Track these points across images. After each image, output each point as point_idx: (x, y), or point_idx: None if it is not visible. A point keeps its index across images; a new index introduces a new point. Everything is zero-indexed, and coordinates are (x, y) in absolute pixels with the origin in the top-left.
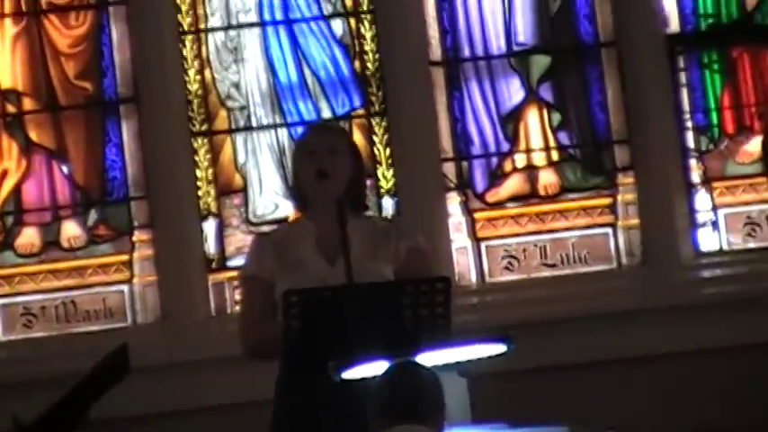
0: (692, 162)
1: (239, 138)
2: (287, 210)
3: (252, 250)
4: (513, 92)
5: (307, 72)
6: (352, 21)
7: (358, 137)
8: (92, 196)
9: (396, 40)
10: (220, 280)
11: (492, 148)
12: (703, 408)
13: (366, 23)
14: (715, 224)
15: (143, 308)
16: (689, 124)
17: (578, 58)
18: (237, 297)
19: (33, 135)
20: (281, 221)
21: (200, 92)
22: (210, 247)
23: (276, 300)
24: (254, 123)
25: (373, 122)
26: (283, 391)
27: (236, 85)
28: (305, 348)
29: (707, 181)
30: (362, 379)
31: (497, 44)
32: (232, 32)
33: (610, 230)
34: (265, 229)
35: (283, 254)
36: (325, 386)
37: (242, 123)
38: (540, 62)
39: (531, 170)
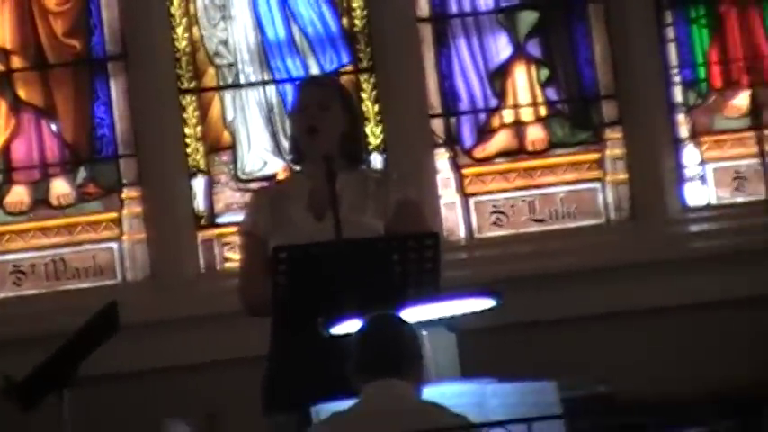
0: (680, 117)
1: (227, 95)
2: (275, 167)
3: (249, 205)
4: (501, 48)
5: (295, 29)
6: None
7: None
8: (81, 154)
9: None
10: (209, 237)
11: (480, 103)
12: (690, 361)
13: None
14: (703, 178)
15: (132, 265)
16: (677, 79)
17: (566, 14)
18: (227, 254)
19: (22, 93)
20: (270, 179)
21: (188, 49)
22: (199, 204)
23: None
24: (242, 80)
25: (361, 79)
26: (274, 348)
27: (225, 43)
28: (293, 305)
29: (695, 135)
30: (350, 335)
31: (485, 0)
32: None
33: (598, 185)
34: (254, 186)
35: (277, 210)
36: (314, 342)
37: (230, 80)
38: (528, 18)
39: (519, 126)
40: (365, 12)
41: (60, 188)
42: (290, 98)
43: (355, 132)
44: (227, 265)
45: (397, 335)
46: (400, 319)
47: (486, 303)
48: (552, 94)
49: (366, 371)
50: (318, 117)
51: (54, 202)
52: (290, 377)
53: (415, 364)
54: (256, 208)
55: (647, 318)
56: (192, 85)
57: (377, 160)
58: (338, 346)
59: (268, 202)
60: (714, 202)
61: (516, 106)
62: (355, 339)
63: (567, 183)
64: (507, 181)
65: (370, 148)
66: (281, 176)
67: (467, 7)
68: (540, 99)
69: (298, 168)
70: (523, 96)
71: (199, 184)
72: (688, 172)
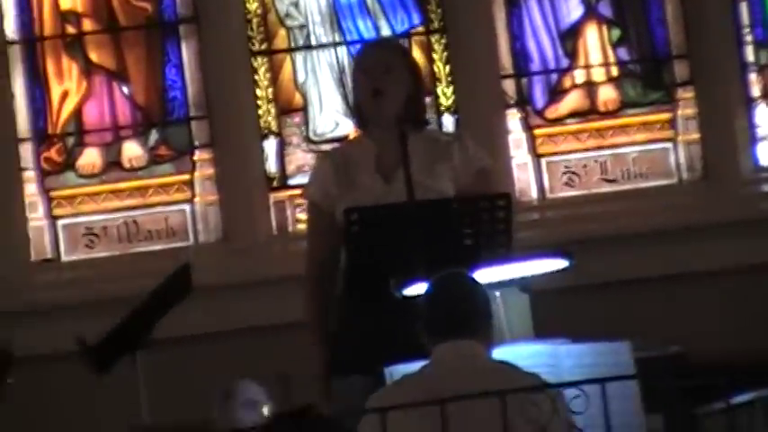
0: (752, 76)
1: (299, 57)
2: (347, 128)
3: (313, 173)
4: (572, 8)
5: None
6: None
7: (417, 54)
8: (152, 117)
9: None
10: (281, 198)
11: (551, 64)
12: (762, 321)
13: None
14: None
15: (204, 227)
16: (748, 38)
17: None
18: (299, 215)
19: (93, 56)
20: (342, 140)
21: (259, 11)
22: (271, 165)
23: (339, 222)
24: (313, 42)
25: (432, 40)
26: (346, 308)
27: (295, 4)
28: (367, 267)
29: (767, 95)
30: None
31: None
32: None
33: (670, 145)
34: (326, 147)
35: (343, 174)
36: (387, 303)
37: (301, 42)
38: None
39: (590, 86)
40: None
41: (132, 150)
42: None
43: (420, 94)
44: (299, 226)
45: (466, 294)
46: (469, 278)
47: (559, 264)
48: (624, 54)
49: (436, 331)
50: (383, 80)
51: (126, 164)
52: (363, 338)
53: (485, 323)
54: (320, 175)
55: (720, 279)
56: (264, 46)
57: (448, 121)
58: (411, 308)
59: (333, 168)
60: None
61: (588, 66)
62: (424, 300)
63: (639, 143)
64: (579, 141)
65: (442, 109)
66: (353, 137)
67: None
68: (611, 59)
69: (361, 132)
70: (595, 57)
71: (270, 145)
72: (760, 131)
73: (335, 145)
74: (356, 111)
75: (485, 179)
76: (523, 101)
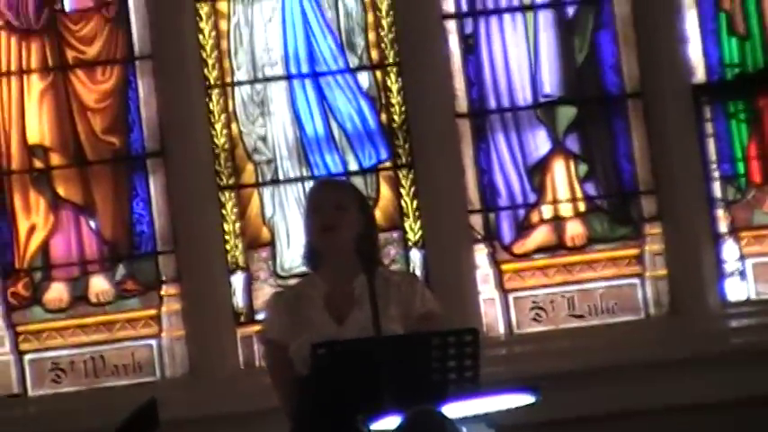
0: (720, 212)
1: (266, 191)
2: None
3: (267, 310)
4: (540, 143)
5: (333, 125)
6: (379, 73)
7: (385, 189)
8: (120, 251)
9: (422, 93)
10: (249, 333)
11: (519, 199)
12: None
13: (392, 76)
14: (743, 274)
15: (171, 362)
16: (716, 174)
17: (604, 109)
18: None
19: (61, 190)
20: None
21: (226, 145)
22: (239, 300)
23: (291, 357)
24: (281, 176)
25: (400, 175)
26: None
27: (263, 139)
28: (333, 400)
29: (734, 231)
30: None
31: (523, 96)
32: (258, 86)
33: (637, 281)
34: (293, 282)
35: (295, 314)
36: None
37: (269, 177)
38: (567, 113)
39: (557, 221)
40: (404, 107)
41: (99, 285)
42: None
43: (371, 233)
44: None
45: (440, 428)
46: (442, 414)
47: (526, 399)
48: (591, 189)
49: None
50: (335, 216)
51: (93, 299)
52: None
53: None
54: (274, 314)
55: (689, 414)
56: (231, 181)
57: (415, 256)
58: None
59: (285, 306)
60: (754, 297)
61: (555, 201)
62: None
63: (607, 278)
64: (547, 276)
65: (409, 244)
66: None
67: (505, 102)
68: (578, 194)
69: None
70: (562, 192)
71: (238, 280)
72: (728, 267)
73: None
74: (307, 251)
75: (431, 323)
76: (491, 236)
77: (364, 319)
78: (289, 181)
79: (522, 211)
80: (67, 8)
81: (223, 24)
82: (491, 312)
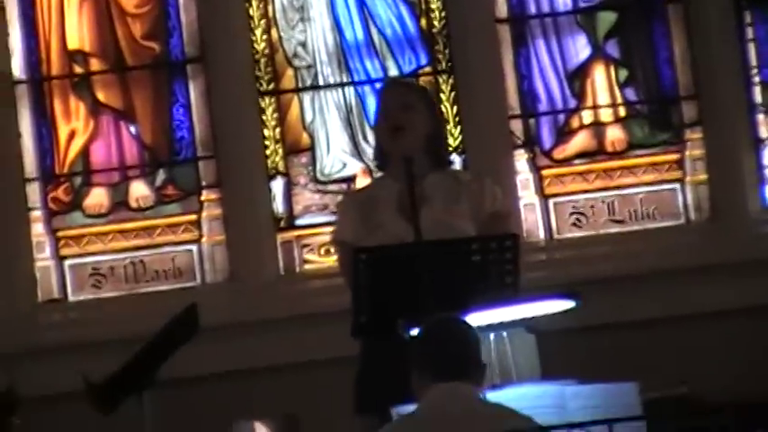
0: (760, 117)
1: (306, 97)
2: (354, 168)
3: (338, 213)
4: (580, 48)
5: (373, 30)
6: None
7: None
8: (159, 156)
9: None
10: (288, 239)
11: (559, 104)
12: None
13: None
14: None
15: (211, 267)
16: (756, 79)
17: (645, 14)
18: (306, 256)
19: (101, 96)
20: (349, 180)
21: (266, 51)
22: (278, 206)
23: None
24: (320, 82)
25: (440, 80)
26: (363, 348)
27: (303, 44)
28: (375, 306)
29: None
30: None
31: (563, 0)
32: None
33: (678, 186)
34: (333, 188)
35: (366, 215)
36: (396, 344)
37: (309, 82)
38: (607, 18)
39: (598, 126)
40: (443, 13)
41: (139, 190)
42: (368, 100)
43: (440, 133)
44: (307, 267)
45: (462, 338)
46: (461, 321)
47: (566, 305)
48: (631, 94)
49: (431, 373)
50: (403, 117)
51: (133, 204)
52: (376, 379)
53: (479, 367)
54: (345, 216)
55: (727, 319)
56: (271, 86)
57: (456, 161)
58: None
59: (357, 209)
60: None
61: (595, 107)
62: (418, 342)
63: (647, 183)
64: (587, 182)
65: (449, 149)
66: (360, 178)
67: (545, 8)
68: (619, 100)
69: (381, 174)
70: (602, 97)
71: (278, 185)
72: None
73: (342, 185)
74: (377, 151)
75: (501, 222)
76: (531, 141)
77: (434, 215)
78: (328, 86)
79: (562, 117)
80: None
81: None
82: (531, 218)
